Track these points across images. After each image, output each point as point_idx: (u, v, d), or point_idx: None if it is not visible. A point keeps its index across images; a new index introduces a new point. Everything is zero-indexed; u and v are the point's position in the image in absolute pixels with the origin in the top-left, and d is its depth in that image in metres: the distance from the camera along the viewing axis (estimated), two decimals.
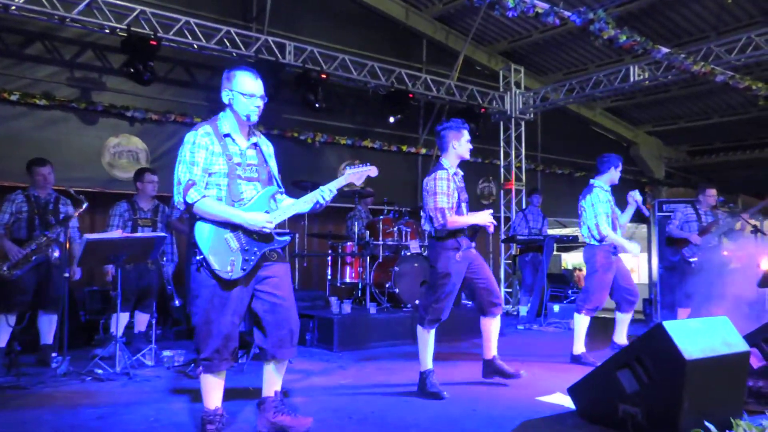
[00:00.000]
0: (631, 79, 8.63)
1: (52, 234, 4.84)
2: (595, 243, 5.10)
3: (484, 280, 4.15)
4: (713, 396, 2.96)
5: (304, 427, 2.99)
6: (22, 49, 6.64)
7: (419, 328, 4.11)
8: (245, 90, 2.93)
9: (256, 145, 3.08)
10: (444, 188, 3.97)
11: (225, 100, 2.99)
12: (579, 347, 5.12)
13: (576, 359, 5.08)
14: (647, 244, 9.37)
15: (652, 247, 9.08)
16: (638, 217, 11.13)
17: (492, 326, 4.23)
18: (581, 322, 5.10)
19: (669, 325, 2.90)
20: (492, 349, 4.27)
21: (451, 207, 3.98)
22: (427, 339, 4.07)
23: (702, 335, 2.98)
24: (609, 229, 5.04)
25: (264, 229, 2.87)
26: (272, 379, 3.09)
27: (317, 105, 7.76)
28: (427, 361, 4.05)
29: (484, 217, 4.05)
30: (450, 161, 4.12)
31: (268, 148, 3.15)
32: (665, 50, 7.73)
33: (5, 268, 4.68)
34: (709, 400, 2.93)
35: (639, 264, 10.50)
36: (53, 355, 4.51)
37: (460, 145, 4.10)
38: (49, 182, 5.03)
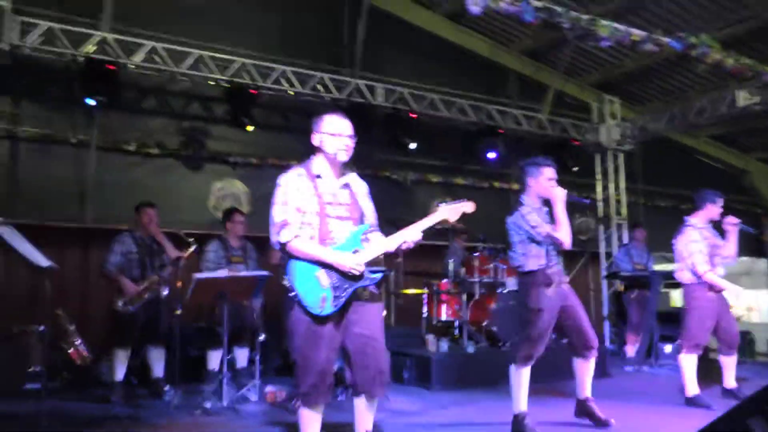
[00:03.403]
0: (739, 104, 8.12)
1: (164, 273, 5.15)
2: (692, 280, 4.96)
3: (577, 320, 4.05)
4: None
5: None
6: (138, 103, 7.24)
7: (512, 367, 4.00)
8: (333, 130, 3.07)
9: (347, 185, 3.15)
10: (536, 219, 4.01)
11: (316, 143, 3.13)
12: (692, 388, 4.87)
13: (690, 401, 4.83)
14: (767, 279, 8.62)
15: None
16: (757, 251, 10.35)
17: (585, 368, 4.11)
18: (685, 362, 4.91)
19: None
20: (585, 390, 4.14)
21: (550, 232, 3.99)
22: (521, 378, 3.95)
23: None
24: (706, 267, 4.88)
25: (353, 271, 2.90)
26: (362, 418, 3.09)
27: (409, 145, 7.88)
28: (521, 401, 3.92)
29: None
30: (530, 199, 4.14)
31: (361, 187, 3.22)
32: None
33: (121, 303, 5.02)
34: None
35: (759, 301, 9.65)
36: (165, 388, 4.72)
37: (537, 183, 4.10)
38: (153, 223, 5.35)
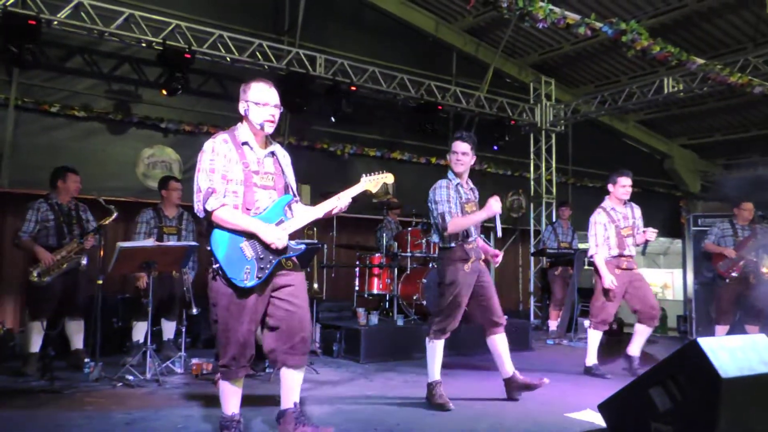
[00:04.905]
0: (665, 91, 8.49)
1: (83, 242, 4.94)
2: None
3: (486, 298, 4.13)
4: (751, 416, 2.85)
5: None
6: (63, 63, 6.86)
7: (427, 339, 4.10)
8: (258, 99, 2.99)
9: (273, 153, 3.11)
10: (443, 196, 4.03)
11: (241, 110, 3.04)
12: (590, 359, 5.27)
13: (587, 370, 5.25)
14: (682, 259, 9.14)
15: (687, 262, 8.84)
16: (674, 232, 10.93)
17: (499, 344, 4.16)
18: (590, 336, 5.31)
19: (704, 342, 2.81)
20: (507, 367, 4.17)
21: (452, 212, 4.00)
22: (435, 350, 4.06)
23: (739, 353, 2.88)
24: (598, 251, 5.23)
25: (274, 244, 2.88)
26: (289, 389, 3.08)
27: (347, 117, 7.84)
28: (435, 371, 4.04)
29: (490, 209, 3.89)
30: (452, 173, 4.18)
31: (285, 158, 3.18)
32: (700, 61, 7.59)
33: (36, 274, 4.76)
34: (747, 420, 2.82)
35: (674, 280, 10.24)
36: (86, 360, 4.59)
37: (450, 159, 4.17)
38: (74, 191, 5.13)
